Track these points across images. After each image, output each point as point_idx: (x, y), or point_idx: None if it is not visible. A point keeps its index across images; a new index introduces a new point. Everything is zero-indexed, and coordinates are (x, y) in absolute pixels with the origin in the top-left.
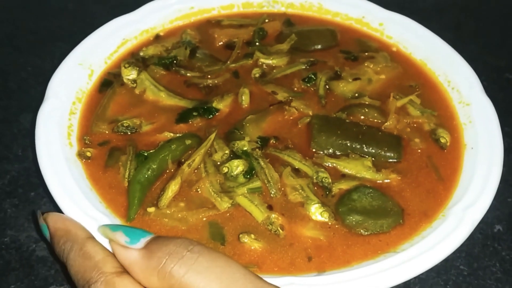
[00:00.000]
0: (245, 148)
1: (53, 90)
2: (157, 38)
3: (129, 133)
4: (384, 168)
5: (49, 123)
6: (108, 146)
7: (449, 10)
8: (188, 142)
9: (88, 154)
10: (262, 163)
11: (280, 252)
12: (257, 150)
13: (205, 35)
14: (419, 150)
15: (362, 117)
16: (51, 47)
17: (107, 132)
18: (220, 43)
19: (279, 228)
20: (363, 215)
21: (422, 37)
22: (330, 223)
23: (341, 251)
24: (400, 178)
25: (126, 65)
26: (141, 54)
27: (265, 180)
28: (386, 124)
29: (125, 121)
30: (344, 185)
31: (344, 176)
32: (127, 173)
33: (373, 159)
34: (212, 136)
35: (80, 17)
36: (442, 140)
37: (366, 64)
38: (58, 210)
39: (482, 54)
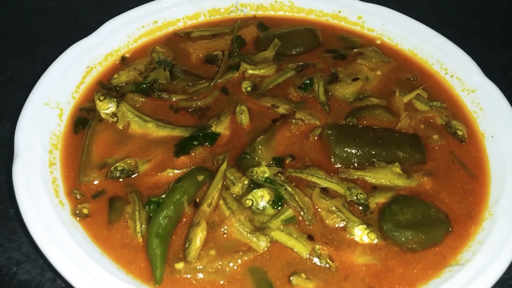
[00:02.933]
0: (266, 175)
1: (23, 140)
2: (124, 60)
3: (125, 177)
4: (413, 172)
5: (31, 181)
6: (105, 197)
7: (449, 6)
8: (200, 178)
9: (85, 211)
10: (289, 189)
11: None
12: (279, 174)
13: (178, 50)
14: (436, 147)
15: (373, 119)
16: (31, 49)
17: (98, 180)
18: (197, 58)
19: (328, 260)
20: (411, 229)
21: (406, 26)
22: (379, 244)
23: (400, 274)
24: (431, 180)
25: (101, 97)
26: (113, 82)
27: (297, 208)
28: (400, 124)
29: (118, 164)
30: (380, 198)
31: (376, 188)
32: (138, 227)
33: (399, 164)
34: (224, 166)
35: (62, 16)
36: (460, 133)
37: (359, 62)
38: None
39: (484, 51)
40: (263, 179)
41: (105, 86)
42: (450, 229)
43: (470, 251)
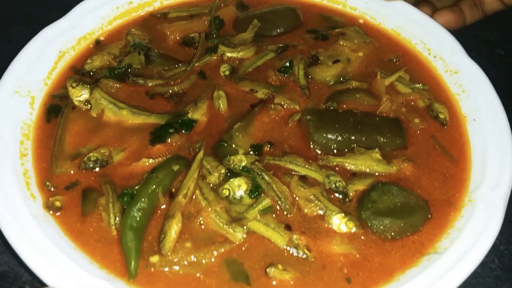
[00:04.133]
0: (243, 164)
1: None
2: (98, 44)
3: (99, 168)
4: (394, 157)
5: (1, 174)
6: (78, 189)
7: None
8: (175, 167)
9: (58, 204)
10: (267, 178)
11: (314, 278)
12: (256, 163)
13: (154, 32)
14: (417, 131)
15: (354, 103)
16: (7, 31)
17: (72, 171)
18: (174, 40)
19: (306, 250)
20: (390, 217)
21: (389, 5)
22: (357, 233)
23: (378, 263)
24: (412, 165)
25: (74, 84)
26: (87, 67)
27: (275, 197)
28: (381, 108)
29: (91, 155)
30: (359, 186)
31: (355, 175)
32: (112, 219)
33: (379, 149)
34: (200, 155)
35: None
36: (441, 116)
37: (341, 43)
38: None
39: (472, 28)
40: (240, 168)
41: (78, 72)
42: (430, 216)
43: (449, 239)
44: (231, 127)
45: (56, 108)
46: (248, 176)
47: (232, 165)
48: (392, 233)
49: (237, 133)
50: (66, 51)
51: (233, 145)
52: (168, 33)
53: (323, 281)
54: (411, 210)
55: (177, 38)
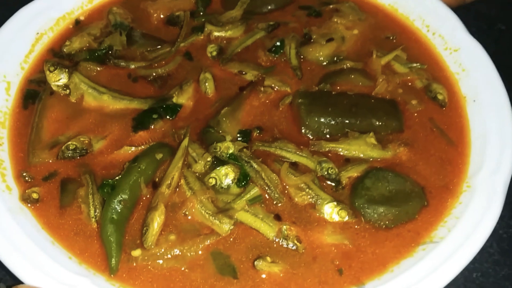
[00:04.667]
0: (230, 151)
1: None
2: (78, 24)
3: (78, 157)
4: (389, 142)
5: None
6: (57, 179)
7: None
8: (159, 156)
9: (35, 196)
10: (255, 166)
11: (304, 271)
12: (245, 150)
13: (137, 11)
14: (415, 114)
15: (348, 84)
16: None
17: (50, 160)
18: (158, 19)
19: (295, 241)
20: (384, 205)
21: None
22: (350, 222)
23: (372, 254)
24: (408, 150)
25: (51, 68)
26: (65, 49)
27: (264, 186)
28: (376, 89)
29: (70, 143)
30: (353, 172)
31: (349, 161)
32: (92, 211)
33: (374, 133)
34: (185, 142)
35: None
36: (440, 97)
37: (335, 20)
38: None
39: (472, 2)
40: (227, 156)
41: (57, 54)
42: (426, 203)
43: (446, 227)
44: (218, 112)
45: (33, 93)
46: (236, 164)
47: (219, 152)
48: (387, 222)
49: (224, 118)
50: (44, 32)
51: (220, 131)
52: (152, 11)
53: (314, 273)
54: (407, 197)
55: (161, 16)
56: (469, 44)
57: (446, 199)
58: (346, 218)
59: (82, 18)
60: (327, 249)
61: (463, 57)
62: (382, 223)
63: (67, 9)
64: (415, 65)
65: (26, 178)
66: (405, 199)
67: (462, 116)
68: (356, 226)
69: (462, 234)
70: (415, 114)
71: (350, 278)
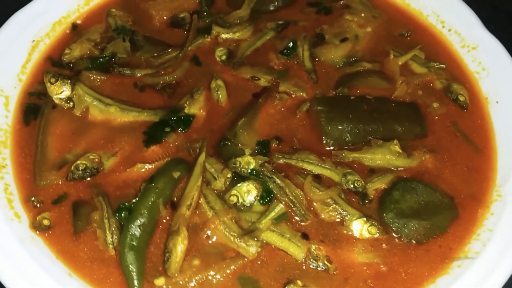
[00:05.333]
0: (252, 166)
1: None
2: (75, 28)
3: (89, 177)
4: (413, 149)
5: None
6: (67, 202)
7: None
8: (176, 174)
9: (46, 222)
10: (278, 181)
11: None
12: (266, 164)
13: (138, 12)
14: (436, 117)
15: (366, 88)
16: None
17: (59, 182)
18: (160, 21)
19: (326, 262)
20: (415, 218)
21: None
22: (380, 239)
23: (405, 273)
24: (433, 157)
25: (52, 80)
26: (65, 58)
27: (289, 202)
28: (396, 92)
29: (79, 163)
30: (379, 184)
31: (373, 172)
32: (109, 237)
33: (397, 140)
34: (202, 158)
35: None
36: (461, 98)
37: (347, 17)
38: None
39: None
40: (248, 172)
41: (56, 63)
42: (457, 216)
43: (480, 241)
44: (234, 123)
45: (34, 108)
46: (258, 180)
47: (239, 168)
48: (418, 237)
49: (241, 130)
50: (40, 39)
51: (238, 144)
52: (154, 13)
53: None
54: (437, 209)
55: (164, 18)
56: (488, 41)
57: (476, 210)
58: (377, 235)
59: (79, 21)
60: (359, 269)
61: (482, 55)
62: (413, 238)
63: (62, 13)
64: (433, 64)
65: (35, 203)
66: (435, 211)
67: (485, 118)
68: (386, 243)
69: (498, 248)
70: (436, 118)
71: None
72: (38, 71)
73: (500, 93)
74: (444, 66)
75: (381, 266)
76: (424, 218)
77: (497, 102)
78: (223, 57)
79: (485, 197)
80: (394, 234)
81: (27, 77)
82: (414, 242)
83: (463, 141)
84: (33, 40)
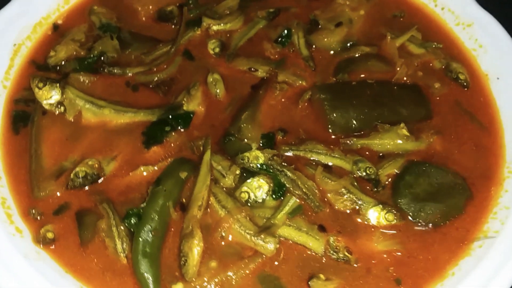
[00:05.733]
0: (261, 161)
1: None
2: (57, 29)
3: (90, 184)
4: (420, 131)
5: None
6: (70, 212)
7: None
8: (183, 175)
9: (50, 235)
10: (290, 174)
11: (361, 285)
12: (275, 157)
13: (121, 7)
14: (438, 98)
15: (366, 72)
16: None
17: (58, 192)
18: (147, 16)
19: (346, 253)
20: (431, 201)
21: None
22: (398, 225)
23: (425, 258)
24: (441, 138)
25: (40, 84)
26: (51, 61)
27: (302, 195)
28: (397, 75)
29: (78, 170)
30: (391, 169)
31: (383, 157)
32: (119, 245)
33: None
34: (207, 156)
35: None
36: (462, 77)
37: (338, 1)
38: None
39: None
40: (258, 166)
41: (41, 67)
42: (471, 196)
43: (498, 220)
44: (236, 117)
45: (22, 115)
46: (268, 174)
47: (248, 163)
48: (435, 220)
49: (244, 124)
50: (21, 43)
51: (243, 138)
52: (139, 7)
53: (371, 286)
54: (451, 190)
55: (151, 12)
56: (482, 18)
57: (489, 189)
58: (394, 221)
59: (60, 21)
60: (379, 258)
61: (478, 32)
62: (430, 222)
63: (42, 14)
64: (431, 44)
65: (35, 216)
66: (450, 193)
67: (487, 95)
68: (404, 228)
69: None
70: (438, 98)
71: (410, 287)
72: (23, 77)
73: (500, 69)
74: (441, 45)
75: (401, 252)
76: (439, 201)
77: (497, 78)
78: (217, 50)
79: (497, 174)
80: (411, 219)
81: (12, 83)
82: (431, 225)
83: (468, 120)
84: (14, 44)
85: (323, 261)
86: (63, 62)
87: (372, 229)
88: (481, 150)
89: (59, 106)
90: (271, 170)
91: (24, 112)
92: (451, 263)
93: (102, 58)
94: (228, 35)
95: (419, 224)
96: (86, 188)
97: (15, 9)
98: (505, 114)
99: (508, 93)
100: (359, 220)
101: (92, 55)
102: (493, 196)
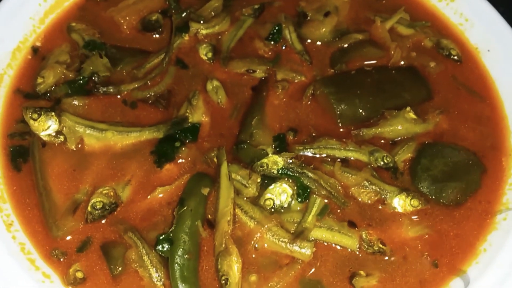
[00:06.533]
0: (280, 165)
1: None
2: (36, 52)
3: (110, 215)
4: (425, 112)
5: None
6: (94, 246)
7: None
8: (205, 191)
9: (79, 274)
10: (311, 175)
11: (402, 274)
12: (294, 160)
13: (100, 21)
14: (435, 76)
15: (362, 59)
16: None
17: (78, 227)
18: (130, 27)
19: (380, 245)
20: (450, 181)
21: None
22: (423, 209)
23: (455, 236)
24: (446, 116)
25: (34, 115)
26: (41, 89)
27: (327, 194)
28: (393, 59)
29: (95, 201)
30: (405, 154)
31: (395, 143)
32: (154, 273)
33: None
34: (224, 168)
35: None
36: (454, 52)
37: None
38: None
39: None
40: (278, 171)
41: (28, 95)
42: (485, 169)
43: None
44: (245, 123)
45: (20, 150)
46: (289, 178)
47: (267, 170)
48: (457, 198)
49: (256, 130)
50: (3, 72)
51: (256, 144)
52: (121, 20)
53: (412, 274)
54: (466, 167)
55: (133, 23)
56: None
57: (500, 160)
58: (420, 206)
59: (38, 44)
60: (413, 244)
61: (462, 5)
62: (453, 201)
63: (19, 37)
64: (419, 23)
65: (59, 256)
66: (466, 170)
67: (481, 68)
68: (430, 211)
69: None
70: (435, 76)
71: (448, 268)
72: (11, 108)
73: (489, 42)
74: (429, 23)
75: (432, 235)
76: (457, 179)
77: (488, 50)
78: (209, 54)
79: (505, 144)
80: (434, 201)
81: (1, 117)
82: (455, 204)
83: (467, 94)
84: None
85: (360, 257)
86: (52, 88)
87: (400, 217)
88: (484, 122)
89: (58, 136)
90: (292, 173)
91: (22, 146)
92: (480, 239)
93: (93, 78)
94: (218, 37)
95: (443, 204)
96: (108, 217)
97: None
98: (502, 85)
99: (500, 64)
100: (386, 210)
101: (82, 77)
102: (505, 167)
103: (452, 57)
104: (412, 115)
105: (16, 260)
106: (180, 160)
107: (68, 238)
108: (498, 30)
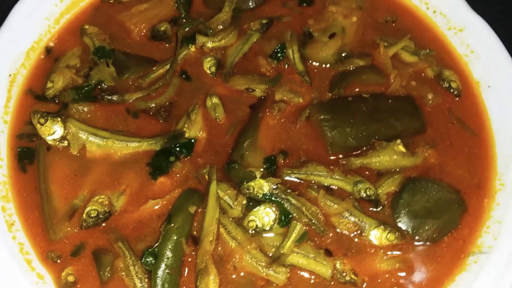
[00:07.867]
0: (266, 190)
1: None
2: (49, 52)
3: (103, 223)
4: (415, 145)
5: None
6: (86, 252)
7: None
8: (192, 209)
9: (71, 278)
10: (294, 201)
11: None
12: (279, 185)
13: (112, 25)
14: (429, 109)
15: (361, 85)
16: None
17: (75, 230)
18: (139, 34)
19: (352, 275)
20: (428, 218)
21: None
22: (398, 244)
23: (426, 274)
24: (435, 151)
25: (42, 120)
26: (50, 93)
27: (308, 222)
28: (391, 87)
29: (90, 210)
30: (389, 187)
31: (381, 175)
32: (138, 283)
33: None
34: (213, 187)
35: None
36: (454, 85)
37: (330, 9)
38: None
39: None
40: (263, 195)
41: (40, 97)
42: (465, 209)
43: (491, 234)
44: (238, 143)
45: (27, 152)
46: (272, 203)
47: (253, 193)
48: (434, 236)
49: (247, 152)
50: (16, 72)
51: (246, 165)
52: (132, 26)
53: None
54: (447, 205)
55: (144, 31)
56: (474, 22)
57: (482, 200)
58: (395, 241)
59: (52, 44)
60: (384, 278)
61: (470, 37)
62: (429, 239)
63: (33, 38)
64: (423, 51)
65: (54, 259)
66: (446, 208)
67: (479, 104)
68: (405, 247)
69: (510, 240)
70: (429, 110)
71: None
72: (22, 108)
73: (491, 77)
74: (434, 52)
75: (404, 270)
76: (436, 217)
77: (489, 86)
78: (213, 69)
79: (489, 185)
80: (410, 237)
81: (12, 117)
82: (430, 241)
83: (461, 129)
84: (10, 75)
85: (332, 285)
86: (61, 92)
87: (374, 250)
88: (473, 158)
89: (62, 141)
90: (276, 199)
91: (29, 148)
92: (449, 278)
93: (99, 86)
94: (223, 51)
95: (419, 241)
96: (103, 224)
97: (7, 36)
98: (497, 124)
99: (499, 102)
100: (362, 241)
101: (89, 83)
102: (486, 209)
103: (451, 90)
104: (401, 148)
105: (14, 260)
106: (173, 174)
107: (64, 241)
108: (503, 67)
